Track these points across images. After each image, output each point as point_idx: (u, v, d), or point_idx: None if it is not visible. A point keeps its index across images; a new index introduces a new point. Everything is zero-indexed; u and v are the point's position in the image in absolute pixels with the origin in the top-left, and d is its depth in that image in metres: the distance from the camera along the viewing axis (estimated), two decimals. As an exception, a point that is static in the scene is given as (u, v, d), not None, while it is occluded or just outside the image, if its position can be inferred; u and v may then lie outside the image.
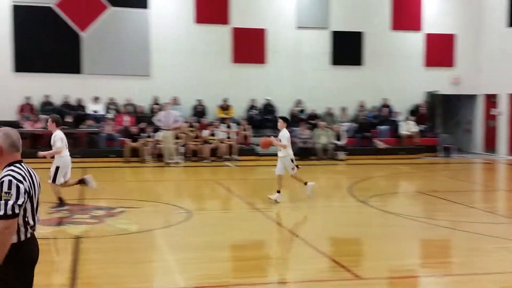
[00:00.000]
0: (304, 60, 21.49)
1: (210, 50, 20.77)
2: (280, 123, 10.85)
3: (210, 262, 6.83)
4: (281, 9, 21.41)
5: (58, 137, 9.71)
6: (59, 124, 9.98)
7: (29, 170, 3.63)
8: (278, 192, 10.61)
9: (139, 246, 7.74)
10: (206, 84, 20.53)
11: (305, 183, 10.95)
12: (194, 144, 18.55)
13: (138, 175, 16.13)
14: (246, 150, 19.08)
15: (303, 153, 18.95)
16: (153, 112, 19.55)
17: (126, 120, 19.16)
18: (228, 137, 19.00)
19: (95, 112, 19.38)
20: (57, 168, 9.74)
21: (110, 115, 19.29)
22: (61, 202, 9.86)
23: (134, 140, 18.10)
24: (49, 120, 10.00)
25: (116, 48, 20.08)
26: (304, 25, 21.45)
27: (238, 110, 20.66)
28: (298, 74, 21.48)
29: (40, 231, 8.10)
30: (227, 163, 18.07)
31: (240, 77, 20.92)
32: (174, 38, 20.54)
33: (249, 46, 21.05)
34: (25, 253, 3.55)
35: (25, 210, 3.49)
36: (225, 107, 20.49)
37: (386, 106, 21.58)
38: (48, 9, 19.41)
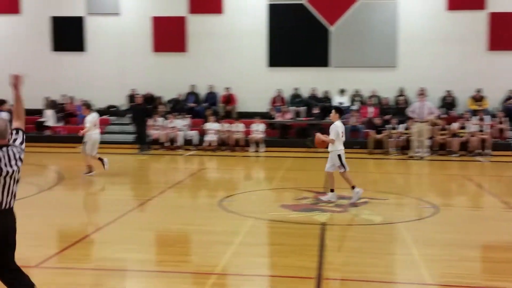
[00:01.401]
0: None
1: (462, 37, 19.59)
2: (333, 114, 9.76)
3: (458, 260, 6.43)
4: (549, -13, 19.13)
5: (87, 120, 12.56)
6: (89, 108, 12.99)
7: (10, 153, 4.11)
8: (332, 191, 9.63)
9: (383, 237, 7.67)
10: (457, 74, 19.46)
11: (353, 187, 9.58)
12: (442, 137, 17.69)
13: (381, 167, 15.97)
14: (502, 145, 17.57)
15: None
16: (398, 103, 19.20)
17: (371, 111, 19.18)
18: (481, 130, 17.67)
19: (340, 103, 19.79)
20: (85, 143, 12.48)
21: (355, 107, 19.54)
22: (102, 162, 12.39)
23: (378, 132, 18.00)
24: (82, 105, 13.02)
25: (363, 40, 20.22)
26: None
27: (493, 101, 19.09)
28: None
29: (290, 215, 8.64)
30: (478, 158, 16.82)
31: (497, 66, 19.32)
32: (423, 28, 19.87)
33: (509, 31, 19.23)
34: None
35: None
36: (478, 98, 19.09)
37: None
38: (300, 5, 20.43)
